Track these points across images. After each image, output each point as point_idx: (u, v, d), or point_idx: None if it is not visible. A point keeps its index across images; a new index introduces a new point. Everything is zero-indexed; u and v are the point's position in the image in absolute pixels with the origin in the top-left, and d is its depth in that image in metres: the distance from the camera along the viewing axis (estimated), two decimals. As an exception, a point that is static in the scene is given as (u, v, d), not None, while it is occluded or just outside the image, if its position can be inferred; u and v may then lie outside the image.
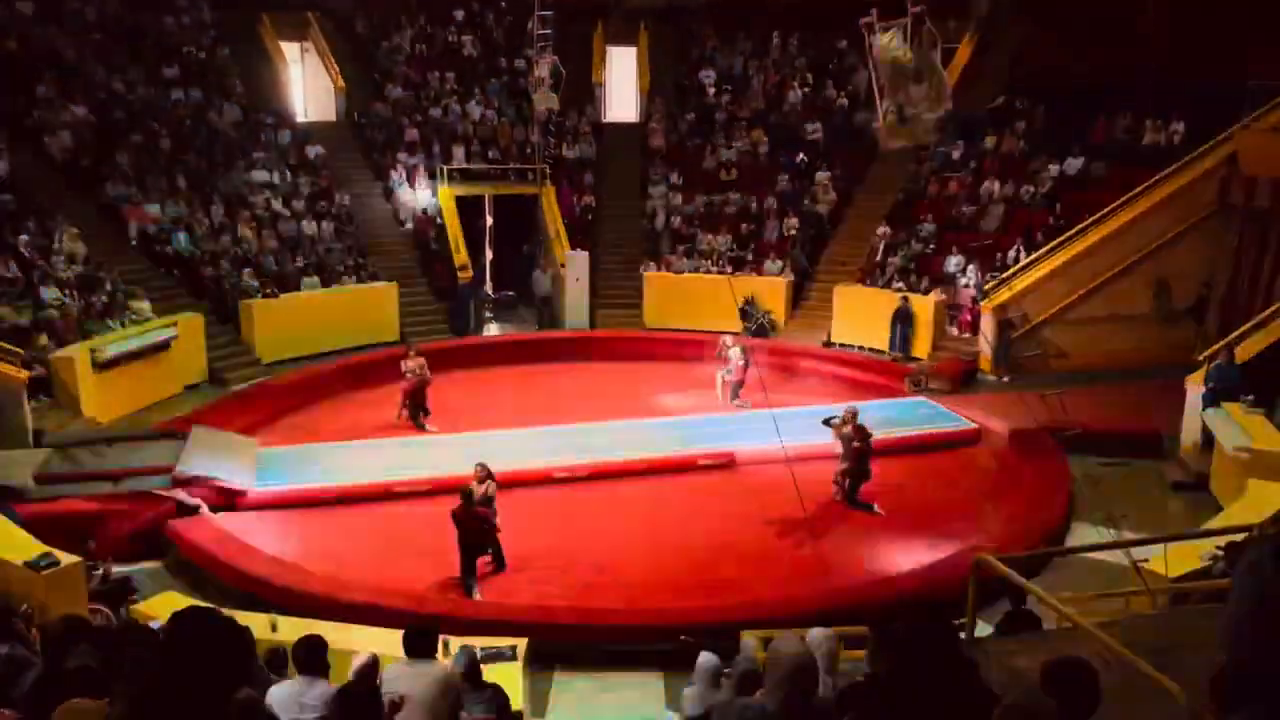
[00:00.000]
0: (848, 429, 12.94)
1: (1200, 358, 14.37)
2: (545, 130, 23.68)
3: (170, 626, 2.41)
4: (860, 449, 12.91)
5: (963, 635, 6.35)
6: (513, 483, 12.90)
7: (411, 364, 15.99)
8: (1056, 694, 3.07)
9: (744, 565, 11.64)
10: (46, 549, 9.21)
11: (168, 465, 12.81)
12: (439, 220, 22.46)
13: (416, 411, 16.02)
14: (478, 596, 10.79)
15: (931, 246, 20.66)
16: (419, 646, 5.43)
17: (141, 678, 2.56)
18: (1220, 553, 8.61)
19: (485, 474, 11.27)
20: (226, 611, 7.58)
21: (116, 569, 10.35)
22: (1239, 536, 7.52)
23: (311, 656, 5.11)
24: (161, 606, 8.92)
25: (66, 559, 9.15)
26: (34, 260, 16.57)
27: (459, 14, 26.48)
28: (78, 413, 15.05)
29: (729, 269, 21.59)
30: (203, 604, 7.64)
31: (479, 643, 8.10)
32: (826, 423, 13.21)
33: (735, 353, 16.98)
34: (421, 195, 22.85)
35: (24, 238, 16.81)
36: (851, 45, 23.60)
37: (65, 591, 8.92)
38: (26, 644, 6.09)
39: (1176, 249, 18.25)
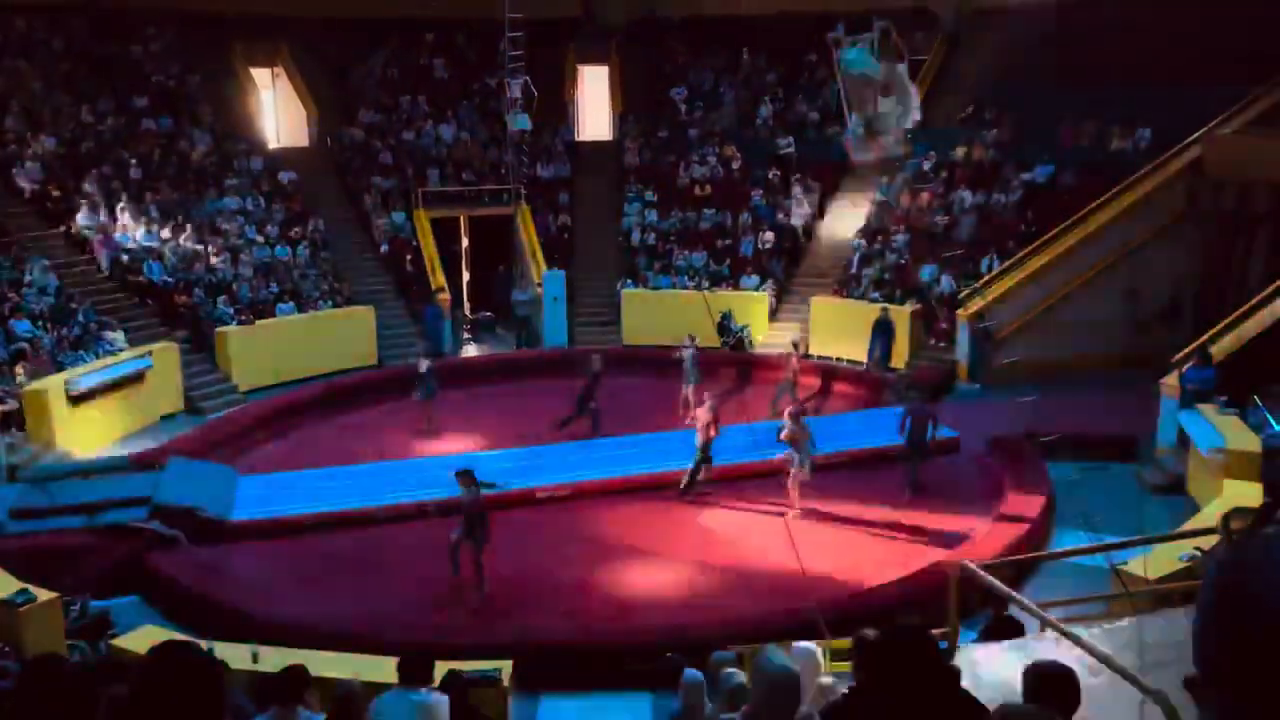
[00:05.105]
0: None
1: (1174, 360, 14.49)
2: (519, 151, 23.72)
3: (144, 662, 2.39)
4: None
5: (946, 644, 6.37)
6: (495, 504, 12.82)
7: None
8: (1037, 700, 3.08)
9: (727, 580, 11.64)
10: (23, 585, 9.13)
11: (145, 497, 12.69)
12: (414, 243, 22.43)
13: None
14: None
15: (905, 257, 20.80)
16: (413, 673, 5.41)
17: (117, 715, 2.53)
18: (1198, 553, 8.70)
19: None
20: (207, 644, 7.51)
21: (95, 603, 10.25)
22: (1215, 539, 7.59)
23: (288, 686, 5.07)
24: (141, 641, 8.80)
25: (43, 595, 9.07)
26: (4, 293, 16.42)
27: (430, 36, 26.51)
28: (52, 446, 14.89)
29: (705, 284, 21.65)
30: (179, 638, 7.57)
31: (465, 666, 8.06)
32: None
33: (688, 360, 17.18)
34: (396, 219, 22.79)
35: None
36: (821, 60, 23.77)
37: (43, 628, 8.83)
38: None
39: (1148, 253, 18.43)
